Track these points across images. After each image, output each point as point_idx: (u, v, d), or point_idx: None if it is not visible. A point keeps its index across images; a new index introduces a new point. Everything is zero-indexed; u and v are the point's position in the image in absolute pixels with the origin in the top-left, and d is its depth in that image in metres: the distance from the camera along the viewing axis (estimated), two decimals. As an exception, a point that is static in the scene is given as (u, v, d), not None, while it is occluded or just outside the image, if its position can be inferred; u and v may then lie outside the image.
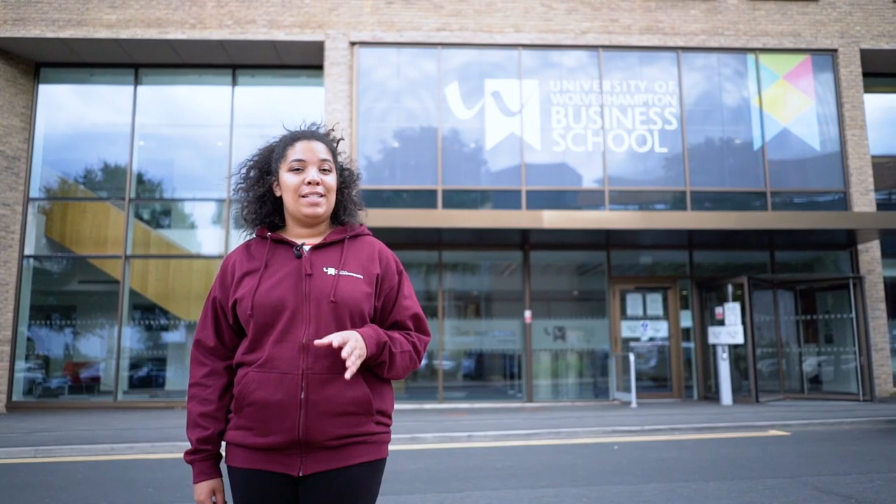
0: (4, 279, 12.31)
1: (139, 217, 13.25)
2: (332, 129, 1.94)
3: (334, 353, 1.64)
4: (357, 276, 1.76)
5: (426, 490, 5.25)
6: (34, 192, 12.99)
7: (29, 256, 12.78)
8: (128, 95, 13.34)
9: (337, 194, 1.87)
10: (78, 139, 13.32)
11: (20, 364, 12.52)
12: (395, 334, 1.78)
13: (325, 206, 1.80)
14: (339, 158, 1.92)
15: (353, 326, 1.71)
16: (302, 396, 1.63)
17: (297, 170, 1.77)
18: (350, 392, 1.67)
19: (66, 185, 13.30)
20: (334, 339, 1.58)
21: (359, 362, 1.60)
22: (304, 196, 1.77)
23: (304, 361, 1.64)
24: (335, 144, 1.90)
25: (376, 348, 1.68)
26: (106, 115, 13.40)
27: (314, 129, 1.90)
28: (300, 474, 1.66)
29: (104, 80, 13.56)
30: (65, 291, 13.36)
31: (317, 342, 1.59)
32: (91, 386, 12.76)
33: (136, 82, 13.37)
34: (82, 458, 7.09)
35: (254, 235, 1.88)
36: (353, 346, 1.59)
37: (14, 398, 12.34)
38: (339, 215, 1.90)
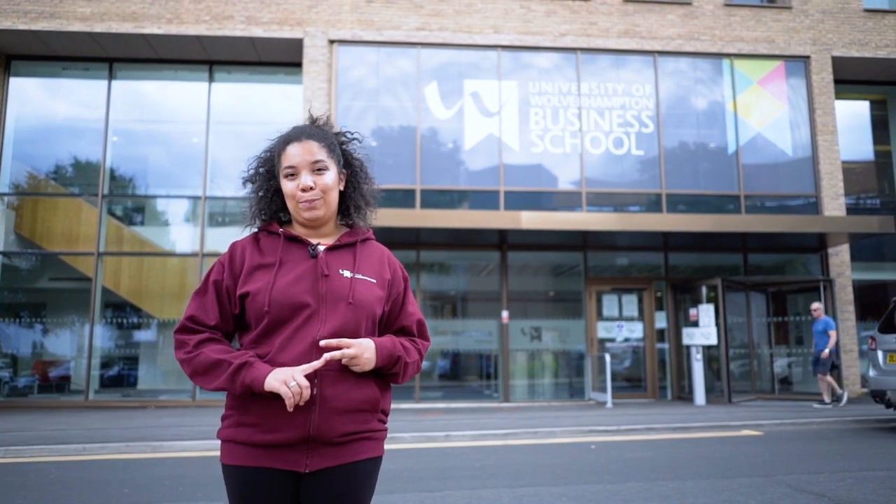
0: (-28, 276, 12.05)
1: (112, 214, 13.03)
2: (327, 122, 1.91)
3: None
4: (371, 280, 1.78)
5: (406, 490, 5.24)
6: (3, 188, 12.71)
7: (-3, 253, 12.53)
8: (101, 90, 13.11)
9: (345, 188, 1.86)
10: (49, 134, 13.06)
11: (-13, 363, 12.26)
12: (407, 344, 1.81)
13: (323, 209, 1.77)
14: (347, 148, 1.91)
15: (367, 329, 1.74)
16: (315, 392, 1.62)
17: (291, 175, 1.76)
18: (360, 391, 1.69)
19: (36, 181, 13.03)
20: (351, 350, 1.63)
21: (353, 361, 1.64)
22: (300, 202, 1.75)
23: (317, 358, 1.63)
24: (333, 138, 1.86)
25: (388, 361, 1.72)
26: (79, 110, 13.16)
27: (309, 125, 1.87)
28: (307, 470, 1.65)
29: (77, 75, 13.31)
30: (35, 289, 13.09)
31: (328, 342, 1.62)
32: (61, 385, 12.52)
33: (111, 77, 13.15)
34: (53, 459, 6.95)
35: (257, 228, 1.85)
36: (355, 352, 1.63)
37: (-19, 397, 12.09)
38: (349, 211, 1.88)
